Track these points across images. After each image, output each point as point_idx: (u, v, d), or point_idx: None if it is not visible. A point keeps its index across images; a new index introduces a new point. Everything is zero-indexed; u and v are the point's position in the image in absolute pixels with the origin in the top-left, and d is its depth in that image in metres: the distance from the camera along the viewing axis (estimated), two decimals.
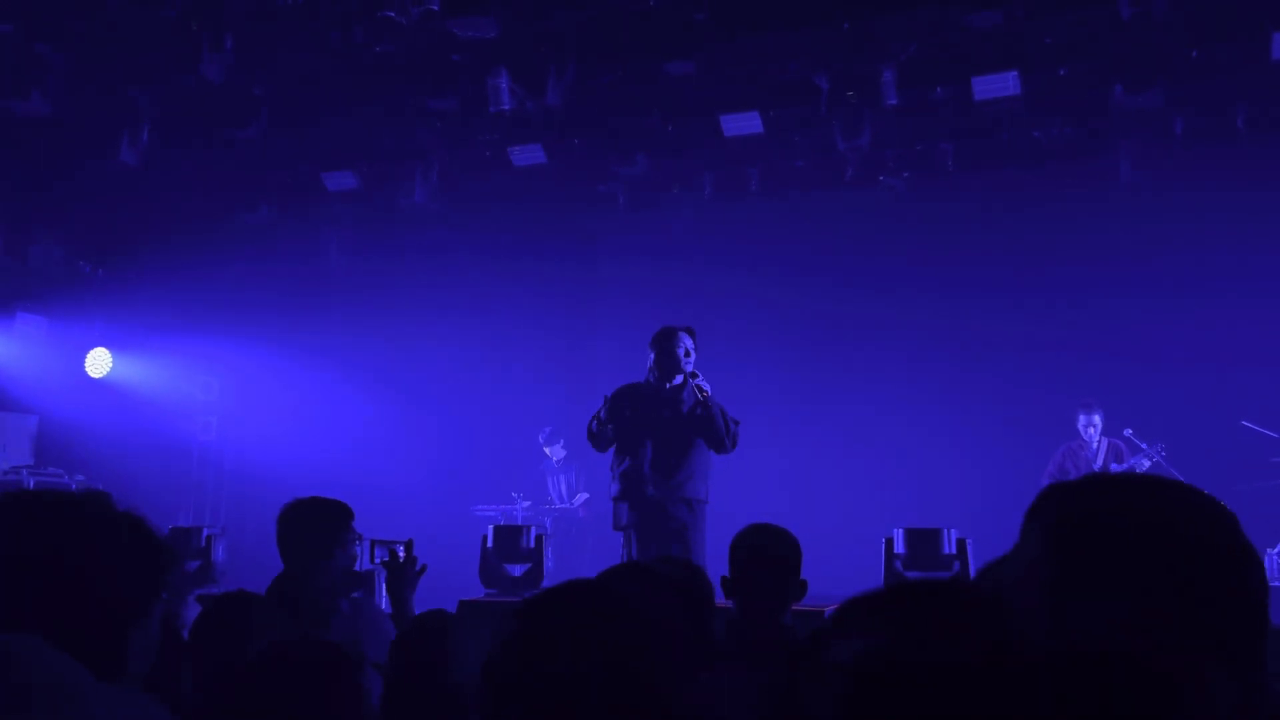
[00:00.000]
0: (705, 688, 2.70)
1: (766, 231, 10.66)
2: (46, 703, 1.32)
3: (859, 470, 9.96)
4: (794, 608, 3.16)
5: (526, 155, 9.32)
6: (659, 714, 1.44)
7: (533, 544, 6.84)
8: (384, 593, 4.70)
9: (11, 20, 7.49)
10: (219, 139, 9.01)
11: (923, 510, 7.71)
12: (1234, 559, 1.02)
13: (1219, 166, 8.96)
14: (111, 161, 8.75)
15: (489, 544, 6.88)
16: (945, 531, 6.11)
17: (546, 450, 10.75)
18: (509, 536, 6.95)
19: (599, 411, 6.32)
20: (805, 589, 3.16)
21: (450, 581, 5.55)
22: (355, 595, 3.80)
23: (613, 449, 6.29)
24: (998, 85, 7.94)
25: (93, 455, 10.48)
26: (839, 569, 5.74)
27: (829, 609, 3.81)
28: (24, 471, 9.79)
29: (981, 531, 5.92)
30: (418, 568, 3.64)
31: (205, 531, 6.88)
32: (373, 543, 3.75)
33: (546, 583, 6.61)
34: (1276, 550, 7.57)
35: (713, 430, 6.05)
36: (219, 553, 6.78)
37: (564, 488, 10.67)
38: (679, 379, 6.13)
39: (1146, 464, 8.19)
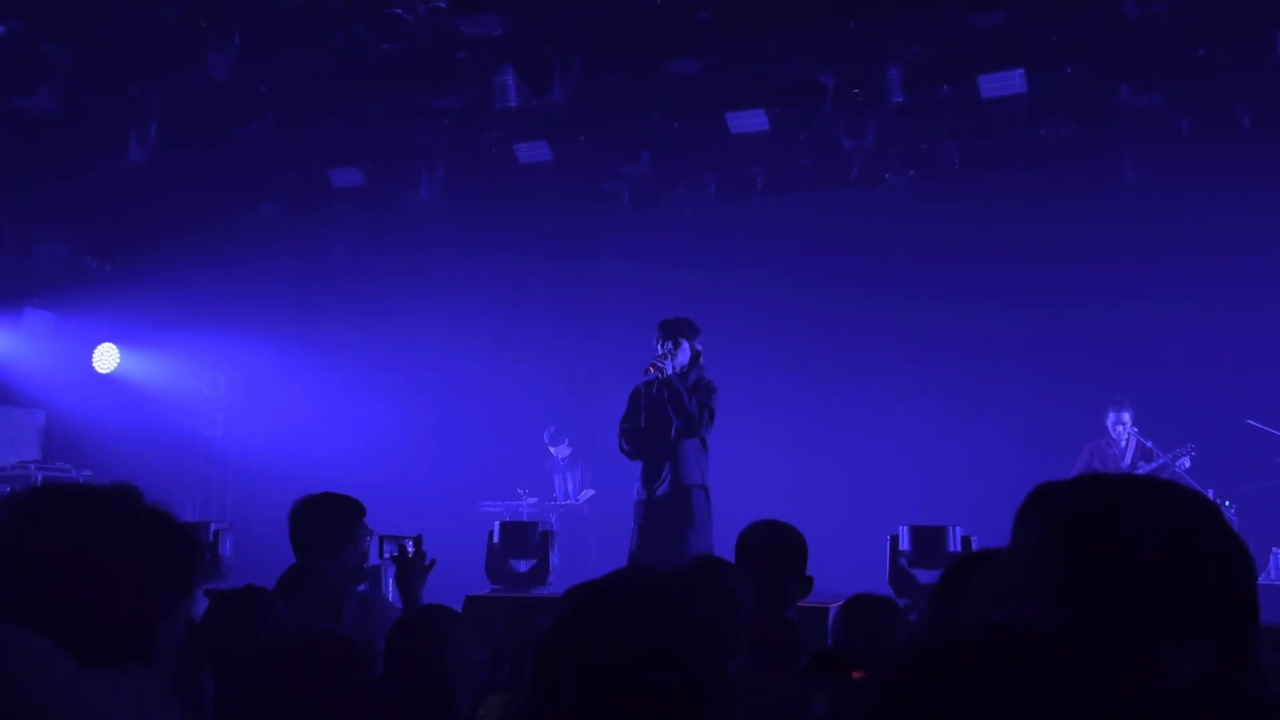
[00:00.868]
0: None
1: (771, 230, 10.67)
2: (28, 692, 1.31)
3: (863, 468, 9.98)
4: (799, 604, 3.18)
5: (532, 153, 9.33)
6: (702, 705, 1.46)
7: (539, 540, 6.86)
8: (391, 587, 4.72)
9: (18, 17, 7.52)
10: (225, 136, 9.03)
11: (927, 508, 7.73)
12: (1221, 550, 1.04)
13: (1224, 166, 8.95)
14: (118, 159, 8.78)
15: (495, 540, 6.91)
16: (950, 529, 6.13)
17: (551, 449, 10.78)
18: (515, 532, 6.98)
19: (622, 420, 6.51)
20: (811, 585, 3.19)
21: (456, 577, 5.58)
22: (361, 589, 3.83)
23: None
24: (1004, 83, 7.95)
25: (100, 450, 10.51)
26: (844, 566, 5.77)
27: (834, 606, 3.84)
28: (31, 466, 9.82)
29: (986, 529, 5.93)
30: (426, 563, 3.67)
31: (213, 526, 6.90)
32: (382, 538, 3.79)
33: (552, 579, 6.65)
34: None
35: (678, 410, 6.17)
36: (226, 547, 6.80)
37: (569, 485, 10.70)
38: (653, 373, 6.30)
39: (1186, 463, 8.10)
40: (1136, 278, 9.39)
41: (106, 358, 11.51)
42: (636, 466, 6.50)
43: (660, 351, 6.32)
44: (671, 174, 10.19)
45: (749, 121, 8.68)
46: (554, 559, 6.85)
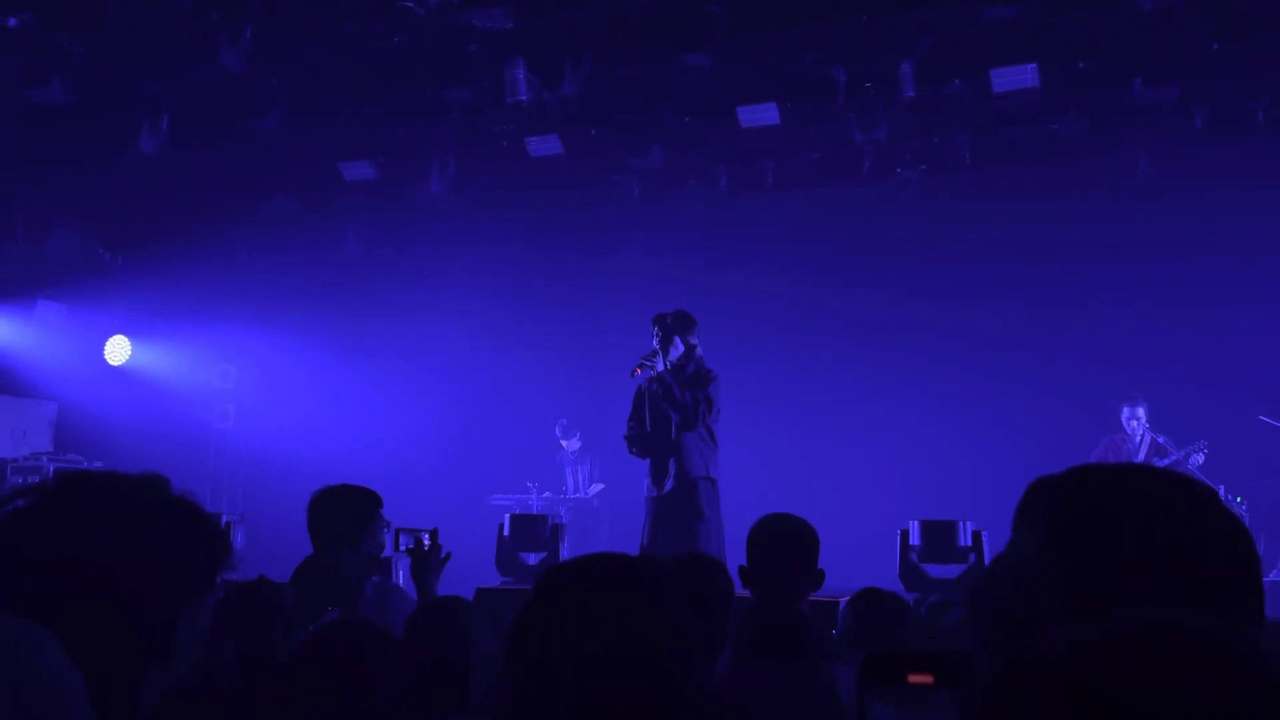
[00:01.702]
0: (723, 677, 2.73)
1: (781, 224, 10.65)
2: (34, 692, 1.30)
3: (873, 463, 9.97)
4: (810, 598, 3.18)
5: (543, 146, 9.33)
6: (671, 688, 1.46)
7: (549, 533, 6.88)
8: (402, 579, 4.74)
9: (31, 9, 7.54)
10: (237, 129, 9.06)
11: (938, 503, 7.73)
12: (1223, 533, 1.04)
13: (1237, 162, 8.91)
14: (130, 151, 8.81)
15: (505, 533, 6.93)
16: (961, 524, 6.13)
17: (563, 442, 10.78)
18: (525, 525, 7.00)
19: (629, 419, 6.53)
20: (822, 578, 3.18)
21: (467, 570, 5.59)
22: (374, 579, 3.84)
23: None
24: (1017, 77, 7.92)
25: (111, 442, 10.55)
26: (854, 561, 5.76)
27: (844, 599, 3.83)
28: (43, 458, 9.87)
29: (998, 524, 5.92)
30: (442, 555, 3.69)
31: (224, 518, 6.93)
32: (398, 530, 3.80)
33: None
34: None
35: (672, 405, 6.18)
36: (237, 539, 6.84)
37: (579, 478, 10.71)
38: (645, 374, 6.33)
39: (1200, 459, 8.07)
40: (1148, 273, 9.35)
41: (118, 350, 11.56)
42: (646, 462, 6.51)
43: (652, 348, 6.33)
44: (682, 167, 10.17)
45: (760, 115, 8.66)
46: (564, 552, 6.87)
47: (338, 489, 3.80)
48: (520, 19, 7.44)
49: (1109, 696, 0.68)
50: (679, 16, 7.59)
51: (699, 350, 6.45)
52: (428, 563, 3.63)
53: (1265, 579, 1.10)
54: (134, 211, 10.94)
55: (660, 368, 6.26)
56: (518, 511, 8.93)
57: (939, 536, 6.12)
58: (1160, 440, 8.33)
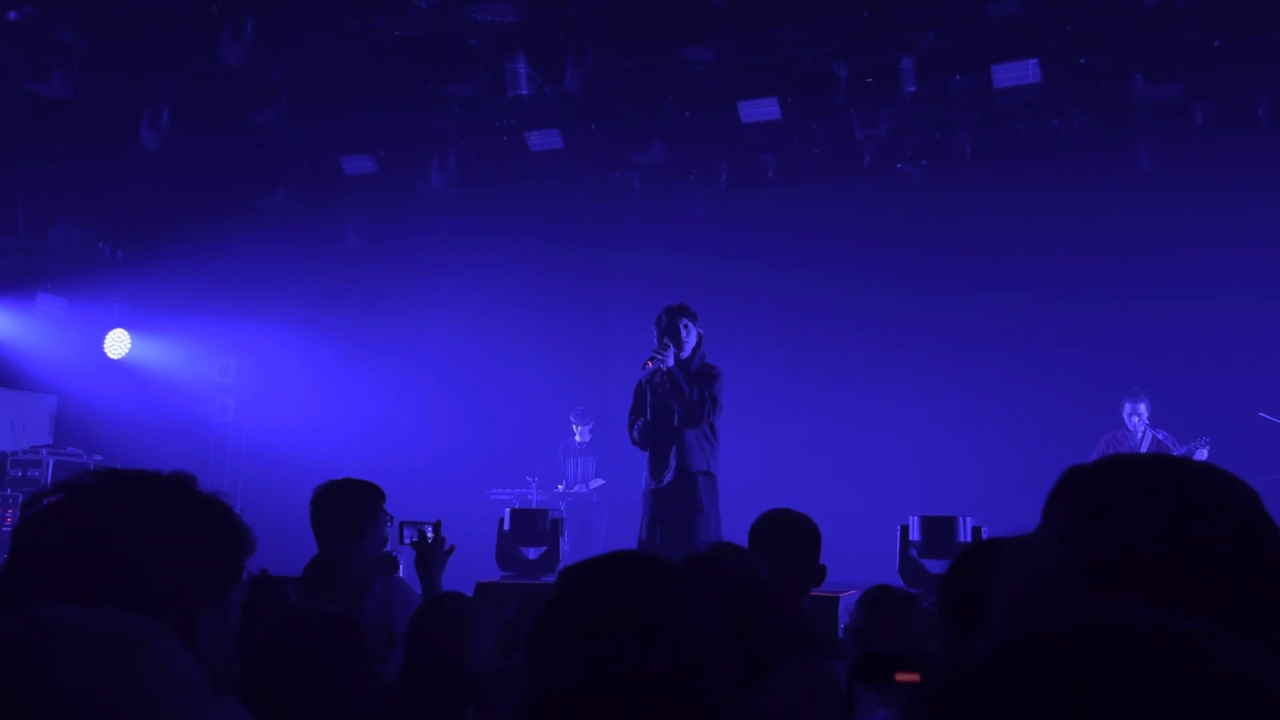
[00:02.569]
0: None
1: (783, 219, 10.65)
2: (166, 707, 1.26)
3: (873, 458, 9.97)
4: (812, 593, 3.19)
5: (544, 141, 9.32)
6: (701, 685, 1.45)
7: (549, 527, 6.88)
8: (403, 572, 4.73)
9: (33, 3, 7.53)
10: (238, 123, 9.04)
11: (938, 498, 7.73)
12: (1257, 533, 1.01)
13: (1239, 158, 8.91)
14: (131, 145, 8.80)
15: (505, 527, 6.93)
16: (961, 519, 6.13)
17: (575, 427, 10.74)
18: (525, 520, 7.00)
19: (630, 412, 6.49)
20: (824, 574, 3.19)
21: (467, 564, 5.60)
22: (383, 576, 3.85)
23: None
24: (1018, 73, 7.91)
25: (111, 436, 10.56)
26: (854, 556, 5.77)
27: (843, 595, 3.84)
28: (43, 451, 9.88)
29: (997, 520, 5.93)
30: (446, 548, 3.70)
31: None
32: (402, 524, 3.81)
33: (561, 566, 6.65)
34: None
35: (679, 399, 6.15)
36: None
37: (582, 471, 10.69)
38: (651, 368, 6.29)
39: (1203, 455, 8.04)
40: (1149, 269, 9.35)
41: (118, 343, 11.56)
42: (645, 456, 6.49)
43: (658, 344, 6.28)
44: (683, 162, 10.17)
45: (760, 110, 8.65)
46: (564, 546, 6.87)
47: (340, 483, 3.78)
48: (521, 13, 7.43)
49: (1033, 697, 0.66)
50: (680, 11, 7.58)
51: (704, 344, 6.45)
52: (431, 555, 3.64)
53: None
54: (134, 205, 10.94)
55: (670, 362, 6.21)
56: (517, 506, 8.95)
57: (939, 532, 6.12)
58: (1160, 436, 8.32)
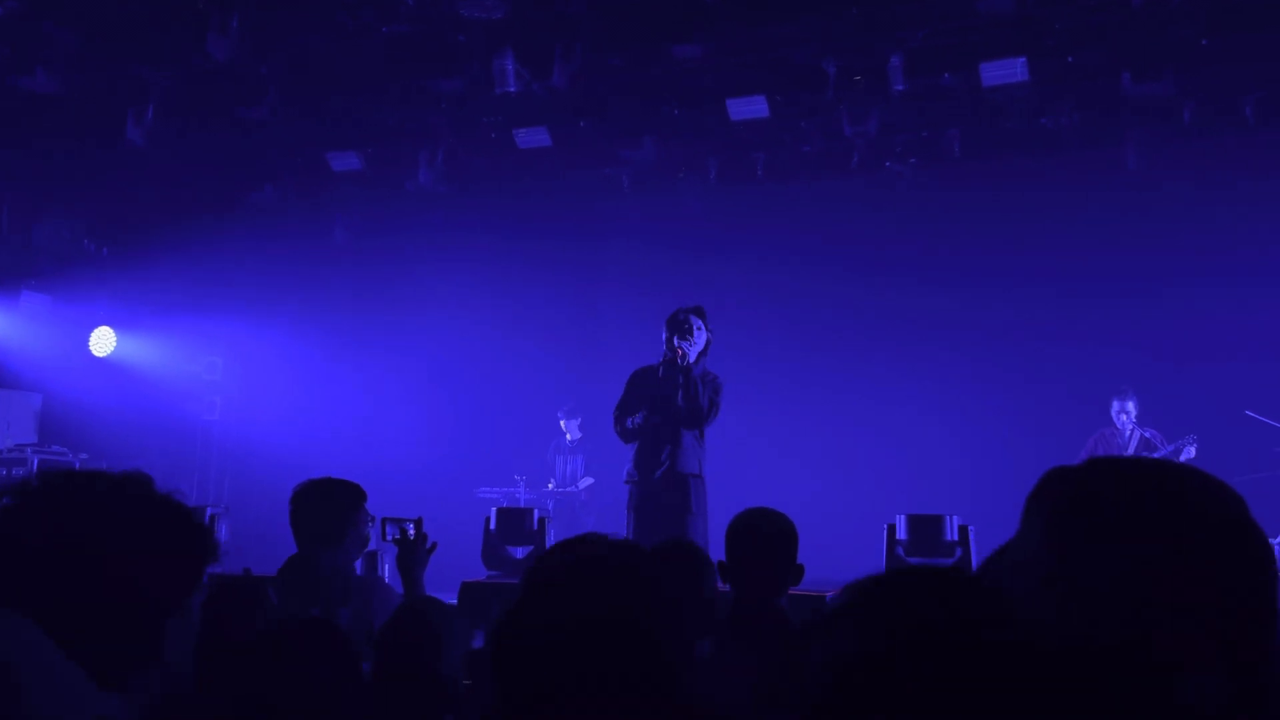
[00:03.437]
0: (704, 668, 2.71)
1: (772, 217, 10.64)
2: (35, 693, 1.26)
3: (862, 456, 9.98)
4: (791, 591, 3.17)
5: (532, 138, 9.29)
6: (664, 675, 1.44)
7: (535, 526, 6.85)
8: (388, 571, 4.70)
9: None
10: (225, 118, 9.00)
11: (926, 496, 7.73)
12: (1242, 541, 0.99)
13: (1227, 156, 8.93)
14: (118, 140, 8.75)
15: (492, 526, 6.90)
16: (948, 518, 6.12)
17: (563, 424, 10.73)
18: (512, 519, 6.97)
19: (620, 403, 6.46)
20: (802, 573, 3.17)
21: (453, 563, 5.57)
22: (359, 576, 3.81)
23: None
24: (1006, 71, 7.91)
25: (97, 434, 10.50)
26: (840, 554, 5.76)
27: (829, 594, 3.83)
28: (28, 450, 9.81)
29: (984, 518, 5.93)
30: (428, 545, 3.66)
31: (209, 511, 6.90)
32: (384, 521, 3.76)
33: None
34: (1278, 540, 7.56)
35: (691, 399, 6.17)
36: (222, 532, 6.80)
37: (571, 469, 10.67)
38: (678, 362, 6.25)
39: (1191, 452, 8.04)
40: (1137, 267, 9.36)
41: (103, 341, 11.50)
42: (631, 450, 6.45)
43: (693, 348, 6.26)
44: (673, 159, 10.15)
45: (749, 108, 8.64)
46: (550, 545, 6.83)
47: (319, 483, 3.73)
48: (509, 9, 7.40)
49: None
50: (670, 8, 7.56)
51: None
52: (413, 553, 3.61)
53: None
54: (120, 201, 10.88)
55: (691, 359, 6.23)
56: (504, 504, 8.92)
57: (926, 531, 6.11)
58: (1148, 435, 8.32)
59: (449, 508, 9.03)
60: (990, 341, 9.85)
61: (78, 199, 10.83)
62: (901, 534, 6.14)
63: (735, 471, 7.75)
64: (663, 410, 6.26)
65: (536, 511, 7.01)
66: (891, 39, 7.88)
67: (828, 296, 10.46)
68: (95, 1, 7.66)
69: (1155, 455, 8.01)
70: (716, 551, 3.34)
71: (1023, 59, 7.84)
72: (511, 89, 8.02)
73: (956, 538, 6.02)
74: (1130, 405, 8.33)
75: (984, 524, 5.98)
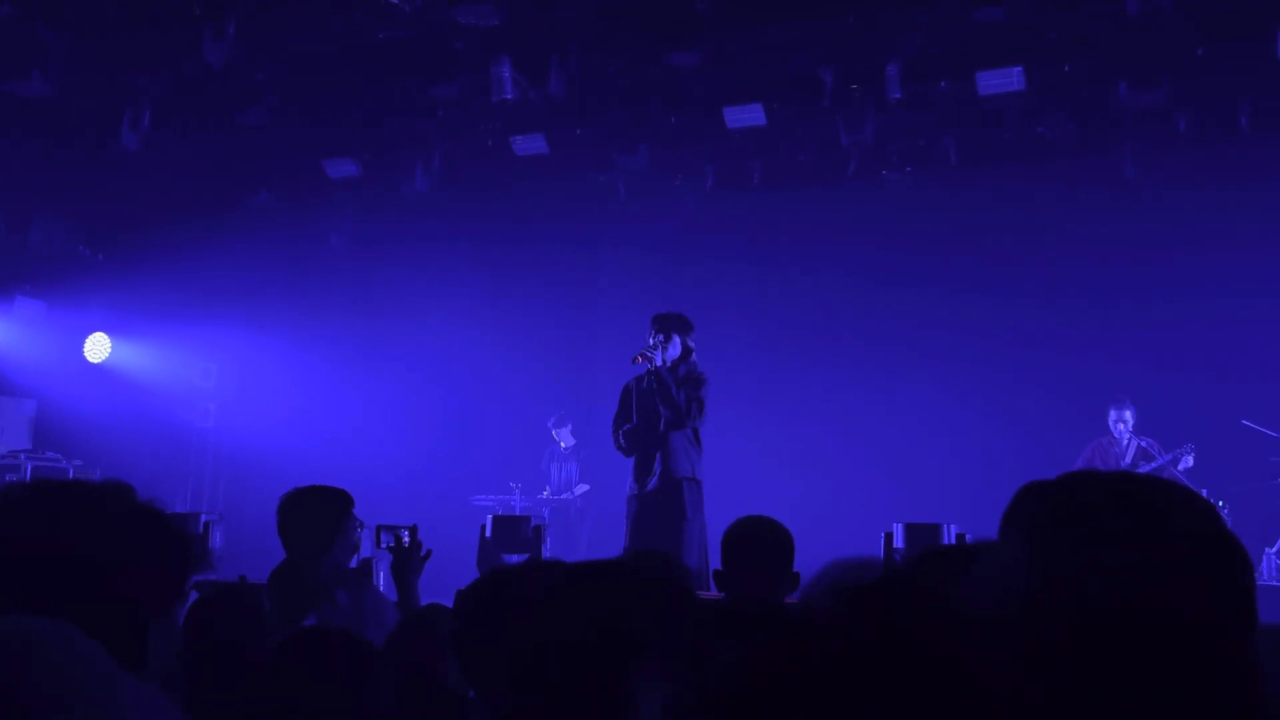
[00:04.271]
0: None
1: (768, 224, 10.64)
2: (77, 696, 1.25)
3: (858, 464, 9.95)
4: (787, 600, 3.15)
5: (528, 144, 9.29)
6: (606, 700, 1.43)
7: (531, 534, 6.82)
8: (382, 579, 4.68)
9: (12, 1, 7.46)
10: (221, 124, 8.99)
11: (922, 505, 7.71)
12: (1217, 552, 0.99)
13: (1222, 165, 8.94)
14: (112, 145, 8.73)
15: (487, 534, 6.87)
16: (945, 526, 6.10)
17: (554, 434, 10.71)
18: (508, 526, 6.93)
19: (615, 418, 6.51)
20: (798, 581, 3.15)
21: (448, 571, 5.55)
22: (350, 584, 3.78)
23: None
24: (1002, 80, 7.92)
25: (91, 441, 10.46)
26: None
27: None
28: (22, 456, 9.77)
29: (981, 527, 5.90)
30: (423, 553, 3.65)
31: (203, 518, 6.85)
32: (379, 528, 3.75)
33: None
34: (1275, 549, 7.56)
35: (665, 402, 6.18)
36: (216, 539, 6.75)
37: (565, 477, 10.65)
38: (644, 365, 6.33)
39: (1190, 462, 8.04)
40: (1133, 276, 9.37)
41: (98, 347, 11.46)
42: (630, 461, 6.50)
43: (651, 342, 6.34)
44: (669, 167, 10.14)
45: (746, 116, 8.64)
46: (546, 553, 6.81)
47: (307, 491, 3.71)
48: (506, 16, 7.39)
49: None
50: (666, 15, 7.56)
51: (694, 355, 6.50)
52: (408, 561, 3.59)
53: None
54: (115, 206, 10.86)
55: (658, 362, 6.27)
56: (500, 512, 8.89)
57: (923, 539, 6.08)
58: (1145, 444, 8.31)
59: (444, 515, 9.00)
60: (986, 349, 9.84)
61: (73, 204, 10.80)
62: (899, 542, 6.12)
63: (730, 479, 7.73)
64: (647, 416, 6.30)
65: (533, 519, 6.99)
66: (888, 47, 7.89)
67: (823, 304, 10.46)
68: (91, 6, 7.64)
69: (1153, 464, 8.01)
70: (715, 556, 3.32)
71: (1019, 68, 7.85)
72: (508, 96, 8.02)
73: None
74: (1128, 414, 8.32)
75: (981, 533, 5.94)
